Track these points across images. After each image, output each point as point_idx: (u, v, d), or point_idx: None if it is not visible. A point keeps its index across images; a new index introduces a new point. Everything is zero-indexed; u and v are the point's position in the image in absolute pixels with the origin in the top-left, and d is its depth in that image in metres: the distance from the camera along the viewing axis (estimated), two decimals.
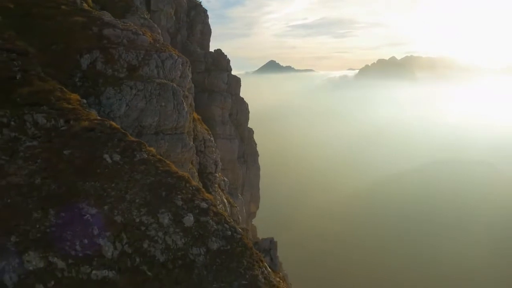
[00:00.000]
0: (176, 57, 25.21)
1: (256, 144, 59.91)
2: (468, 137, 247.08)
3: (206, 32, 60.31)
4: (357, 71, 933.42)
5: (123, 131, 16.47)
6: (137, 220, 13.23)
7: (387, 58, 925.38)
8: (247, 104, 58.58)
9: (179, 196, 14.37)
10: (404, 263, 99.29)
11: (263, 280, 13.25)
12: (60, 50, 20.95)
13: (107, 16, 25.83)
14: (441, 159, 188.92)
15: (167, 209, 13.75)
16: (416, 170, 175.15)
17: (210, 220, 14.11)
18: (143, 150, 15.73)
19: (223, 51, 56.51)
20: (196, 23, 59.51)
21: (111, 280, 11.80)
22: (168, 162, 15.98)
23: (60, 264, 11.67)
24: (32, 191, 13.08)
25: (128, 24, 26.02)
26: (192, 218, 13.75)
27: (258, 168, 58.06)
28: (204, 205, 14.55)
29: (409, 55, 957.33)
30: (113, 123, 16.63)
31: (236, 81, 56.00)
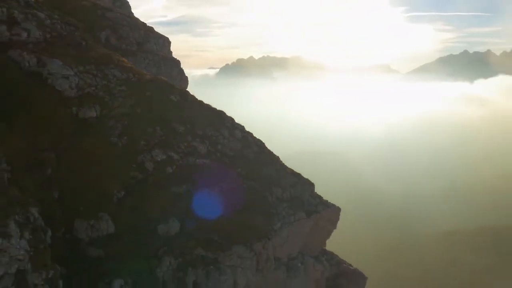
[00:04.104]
0: (164, 37, 31.41)
1: None
2: (320, 129, 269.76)
3: None
4: (218, 69, 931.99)
5: (169, 82, 22.95)
6: (209, 133, 20.36)
7: (246, 57, 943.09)
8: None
9: (225, 121, 21.75)
10: None
11: (287, 168, 21.56)
12: (85, 27, 25.79)
13: (100, 1, 30.66)
14: (299, 151, 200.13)
15: (224, 127, 21.09)
16: None
17: (248, 136, 21.85)
18: (189, 94, 22.51)
19: None
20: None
21: (207, 164, 18.84)
22: (205, 103, 23.04)
23: (175, 156, 18.35)
24: (138, 117, 19.19)
25: (118, 10, 31.23)
26: (240, 133, 21.34)
27: None
28: (241, 126, 22.17)
29: (265, 55, 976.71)
30: (162, 77, 22.97)
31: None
